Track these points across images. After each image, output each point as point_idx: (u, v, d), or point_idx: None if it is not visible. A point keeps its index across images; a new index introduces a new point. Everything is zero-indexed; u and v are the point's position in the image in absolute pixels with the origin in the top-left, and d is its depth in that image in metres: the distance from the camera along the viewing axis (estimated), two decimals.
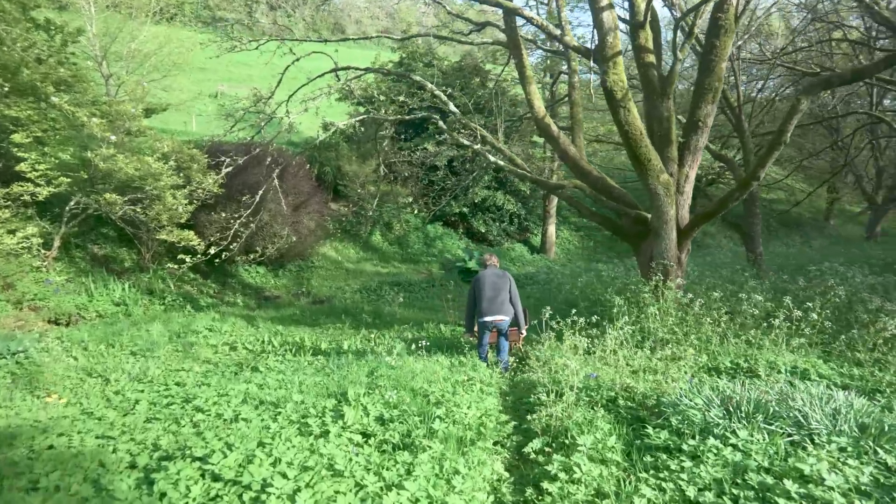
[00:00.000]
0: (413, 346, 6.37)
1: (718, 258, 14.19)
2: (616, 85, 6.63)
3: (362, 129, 17.91)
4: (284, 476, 2.80)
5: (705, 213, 7.14)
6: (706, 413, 3.53)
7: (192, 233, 11.97)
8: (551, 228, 22.07)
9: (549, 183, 9.07)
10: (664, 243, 7.00)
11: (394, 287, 14.97)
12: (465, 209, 20.88)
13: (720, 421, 3.43)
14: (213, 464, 2.93)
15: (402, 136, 20.61)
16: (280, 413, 4.07)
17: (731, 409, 3.51)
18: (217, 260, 10.52)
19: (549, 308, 5.47)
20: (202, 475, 2.87)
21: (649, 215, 7.24)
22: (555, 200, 21.50)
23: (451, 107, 9.09)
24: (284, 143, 20.60)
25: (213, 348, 8.35)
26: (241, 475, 2.80)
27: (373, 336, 8.83)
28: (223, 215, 11.05)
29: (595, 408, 4.06)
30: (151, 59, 18.49)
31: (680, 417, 3.57)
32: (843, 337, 5.47)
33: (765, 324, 5.80)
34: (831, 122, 17.35)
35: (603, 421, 3.78)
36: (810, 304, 5.71)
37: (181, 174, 12.06)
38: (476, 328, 6.54)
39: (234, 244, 9.95)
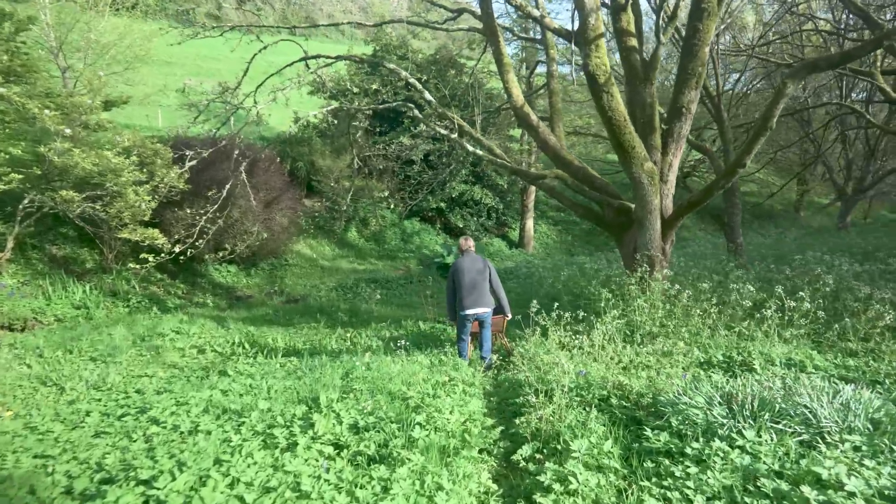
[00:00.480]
0: (391, 345, 6.01)
1: (699, 249, 14.17)
2: (598, 69, 6.36)
3: (335, 122, 17.43)
4: (241, 500, 2.42)
5: (690, 202, 6.92)
6: (708, 412, 3.26)
7: (156, 231, 11.36)
8: (529, 223, 21.92)
9: (529, 173, 8.78)
10: (649, 234, 6.77)
11: (371, 284, 14.61)
12: (442, 204, 20.55)
13: (724, 420, 3.16)
14: (158, 488, 2.53)
15: (377, 130, 20.16)
16: (244, 423, 3.67)
17: (734, 407, 3.25)
18: (182, 258, 10.04)
19: (535, 302, 5.18)
20: (145, 502, 2.48)
21: (633, 205, 7.01)
22: (533, 195, 21.33)
23: (427, 95, 8.74)
24: (255, 137, 20.00)
25: (180, 352, 7.94)
26: (190, 501, 2.42)
27: (349, 335, 8.49)
28: (189, 212, 10.51)
29: (587, 408, 3.76)
30: (111, 51, 17.61)
31: (680, 417, 3.29)
32: (836, 326, 5.30)
33: (757, 315, 5.60)
34: (802, 114, 17.47)
35: (597, 423, 3.49)
36: (802, 294, 5.53)
37: (144, 169, 11.43)
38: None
39: (201, 241, 9.46)
